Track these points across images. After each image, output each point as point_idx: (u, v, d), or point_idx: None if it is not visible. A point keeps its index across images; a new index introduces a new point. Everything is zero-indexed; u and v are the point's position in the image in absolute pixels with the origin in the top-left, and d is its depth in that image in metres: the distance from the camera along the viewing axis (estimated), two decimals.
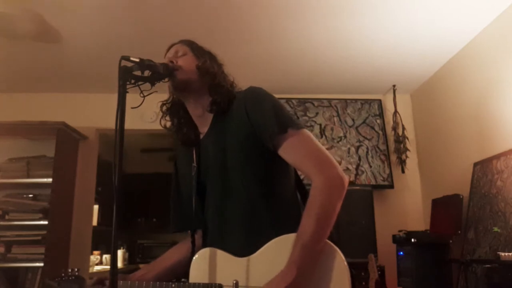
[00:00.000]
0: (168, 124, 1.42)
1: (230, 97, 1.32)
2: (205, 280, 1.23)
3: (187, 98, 1.38)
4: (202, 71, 1.32)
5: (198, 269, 1.28)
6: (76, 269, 1.35)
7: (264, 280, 1.12)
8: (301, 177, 1.38)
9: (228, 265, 1.22)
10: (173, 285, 1.23)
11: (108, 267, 1.03)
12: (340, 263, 1.13)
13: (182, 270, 1.37)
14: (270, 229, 1.21)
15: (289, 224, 1.17)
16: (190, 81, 1.31)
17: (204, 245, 1.32)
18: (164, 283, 1.25)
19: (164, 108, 1.42)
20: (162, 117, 1.42)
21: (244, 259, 1.21)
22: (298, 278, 1.08)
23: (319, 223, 1.13)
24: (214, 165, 1.32)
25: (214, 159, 1.32)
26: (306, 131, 1.23)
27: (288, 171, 1.32)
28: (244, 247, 1.21)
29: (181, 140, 1.42)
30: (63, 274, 1.34)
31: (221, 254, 1.24)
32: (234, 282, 1.18)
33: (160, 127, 1.47)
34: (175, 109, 1.41)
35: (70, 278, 1.33)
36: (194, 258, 1.30)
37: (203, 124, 1.38)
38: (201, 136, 1.39)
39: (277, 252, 1.16)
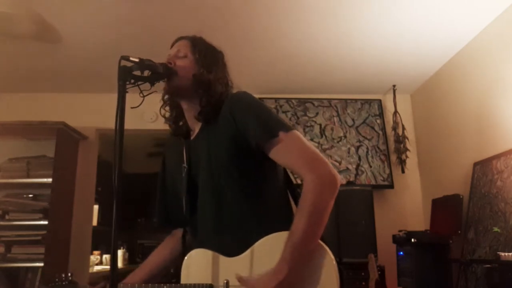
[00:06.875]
0: (167, 114, 1.44)
1: (219, 104, 1.32)
2: (196, 280, 1.24)
3: (180, 101, 1.40)
4: (197, 80, 1.32)
5: (189, 270, 1.28)
6: (69, 274, 1.36)
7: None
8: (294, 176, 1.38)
9: (218, 265, 1.23)
10: (164, 286, 1.24)
11: (108, 267, 1.03)
12: (329, 262, 1.14)
13: (167, 270, 1.39)
14: (258, 228, 1.22)
15: (278, 223, 1.17)
16: (183, 88, 1.32)
17: (194, 245, 1.33)
18: (156, 284, 1.25)
19: (166, 98, 1.42)
20: (162, 106, 1.42)
21: (234, 258, 1.21)
22: (289, 276, 1.08)
23: (311, 222, 1.12)
24: (202, 167, 1.32)
25: (202, 162, 1.32)
26: (296, 132, 1.23)
27: (276, 171, 1.32)
28: (233, 247, 1.22)
29: (174, 131, 1.43)
30: (56, 279, 1.35)
31: (211, 254, 1.25)
32: (225, 281, 1.19)
33: (160, 127, 1.47)
34: (175, 102, 1.42)
35: (64, 283, 1.34)
36: (185, 258, 1.30)
37: (195, 125, 1.39)
38: (192, 137, 1.40)
39: (266, 251, 1.16)
